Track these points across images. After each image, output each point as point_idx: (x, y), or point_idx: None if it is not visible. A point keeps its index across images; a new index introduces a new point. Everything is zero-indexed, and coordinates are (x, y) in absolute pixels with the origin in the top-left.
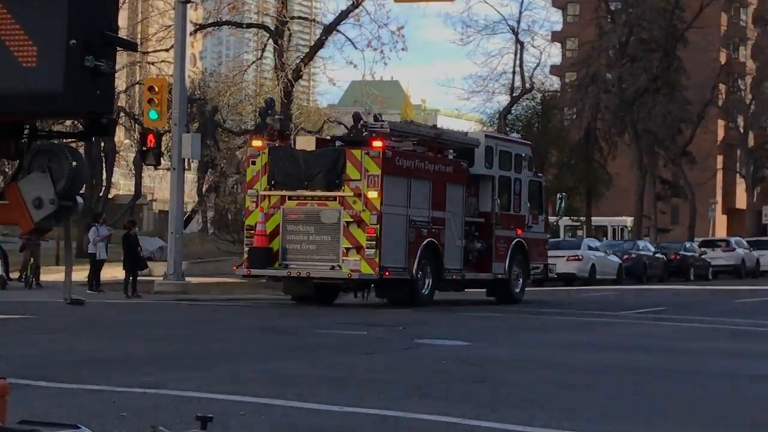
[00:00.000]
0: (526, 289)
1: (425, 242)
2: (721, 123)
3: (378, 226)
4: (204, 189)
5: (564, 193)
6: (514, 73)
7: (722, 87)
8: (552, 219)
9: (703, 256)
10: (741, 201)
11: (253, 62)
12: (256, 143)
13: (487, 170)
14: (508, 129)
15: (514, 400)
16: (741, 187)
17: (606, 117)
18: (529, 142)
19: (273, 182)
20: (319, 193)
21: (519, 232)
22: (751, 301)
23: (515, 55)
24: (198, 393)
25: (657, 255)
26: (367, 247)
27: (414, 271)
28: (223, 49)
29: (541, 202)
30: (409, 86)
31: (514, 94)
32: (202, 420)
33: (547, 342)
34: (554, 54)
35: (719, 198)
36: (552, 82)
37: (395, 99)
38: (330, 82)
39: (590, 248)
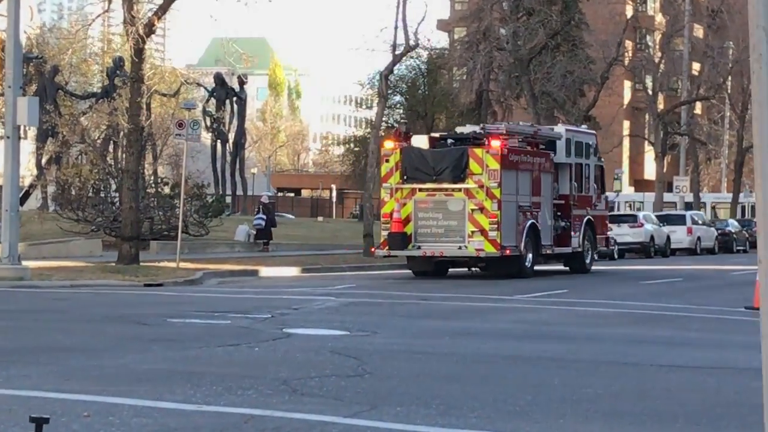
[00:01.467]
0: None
1: (529, 223)
2: (627, 84)
3: (499, 212)
4: (44, 161)
5: (621, 170)
6: (396, 28)
7: (629, 44)
8: (611, 196)
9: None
10: (649, 171)
11: (99, 15)
12: (389, 144)
13: (566, 159)
14: (390, 91)
15: (396, 395)
16: (650, 155)
17: (500, 77)
18: (593, 132)
19: (405, 177)
20: (446, 185)
21: (588, 211)
22: (658, 282)
23: (397, 7)
24: (35, 392)
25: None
26: (491, 230)
27: (522, 248)
28: (65, 1)
29: (603, 183)
30: (277, 47)
31: (396, 52)
32: (37, 422)
33: (435, 330)
34: (442, 7)
35: (626, 167)
36: (439, 39)
37: (262, 58)
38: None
39: None
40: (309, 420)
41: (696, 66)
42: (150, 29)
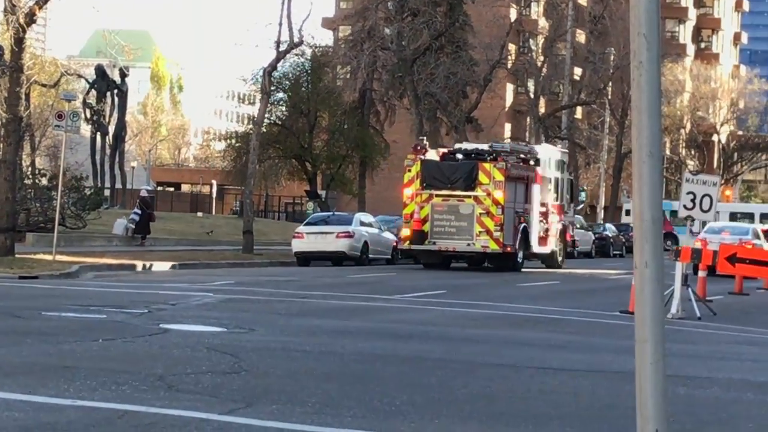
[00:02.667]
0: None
1: (522, 226)
2: (510, 87)
3: (502, 216)
4: None
5: (585, 187)
6: (281, 24)
7: (512, 47)
8: (579, 207)
9: None
10: None
11: None
12: (411, 156)
13: (548, 173)
14: (273, 88)
15: (273, 393)
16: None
17: (383, 77)
18: (567, 151)
19: (424, 184)
20: (459, 192)
21: (561, 217)
22: (535, 285)
23: (282, 4)
24: None
25: None
26: (495, 231)
27: (516, 247)
28: None
29: (572, 194)
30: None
31: (280, 49)
32: None
33: (313, 328)
34: (327, 5)
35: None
36: (324, 37)
37: (145, 51)
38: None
39: (363, 224)
40: (184, 416)
41: (577, 71)
42: (31, 18)
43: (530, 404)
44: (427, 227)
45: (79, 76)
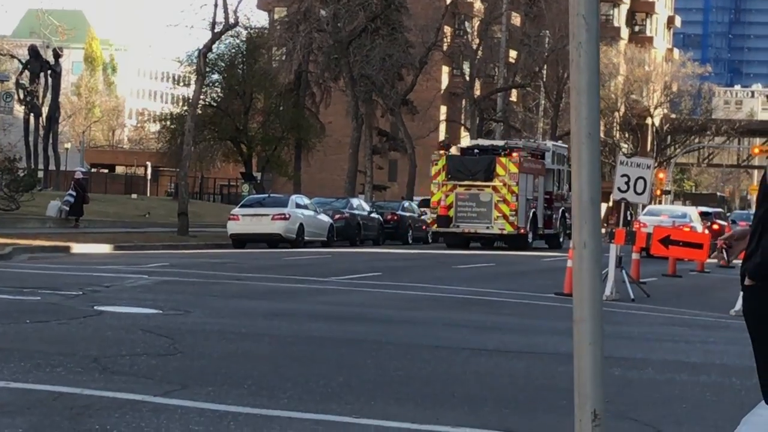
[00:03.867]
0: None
1: (532, 212)
2: (445, 69)
3: (517, 203)
4: None
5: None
6: (216, 5)
7: (447, 30)
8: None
9: (422, 217)
10: None
11: None
12: (437, 152)
13: (551, 165)
14: (208, 70)
15: (208, 375)
16: (466, 140)
17: (319, 59)
18: (567, 146)
19: (449, 176)
20: (479, 183)
21: (561, 204)
22: (471, 267)
23: None
24: None
25: (372, 215)
26: (510, 216)
27: (528, 229)
28: None
29: (570, 184)
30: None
31: (215, 30)
32: None
33: (249, 310)
34: None
35: (442, 152)
36: (259, 18)
37: (79, 31)
38: None
39: (298, 206)
40: (119, 398)
41: (513, 54)
42: None
43: (466, 386)
44: (451, 213)
45: (12, 57)
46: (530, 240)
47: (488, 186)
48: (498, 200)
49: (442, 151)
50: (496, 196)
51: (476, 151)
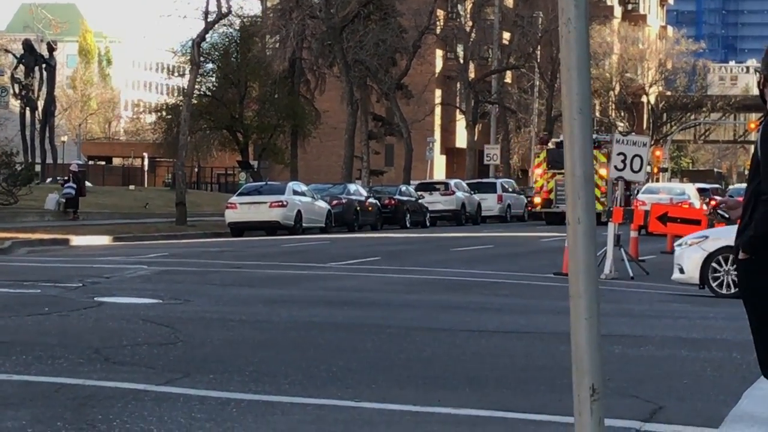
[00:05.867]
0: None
1: (613, 193)
2: (439, 53)
3: (606, 186)
4: None
5: (433, 138)
6: None
7: (440, 13)
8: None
9: (420, 201)
10: (461, 139)
11: None
12: (538, 146)
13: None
14: (202, 59)
15: (210, 363)
16: (461, 123)
17: (313, 46)
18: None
19: (549, 165)
20: None
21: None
22: (469, 249)
23: None
24: None
25: (370, 200)
26: (601, 197)
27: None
28: None
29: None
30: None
31: (209, 19)
32: None
33: (249, 298)
34: None
35: (438, 136)
36: (252, 6)
37: (73, 24)
38: None
39: (296, 193)
40: (121, 388)
41: (506, 35)
42: None
43: (466, 367)
44: (552, 196)
45: (7, 51)
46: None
47: None
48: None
49: (541, 146)
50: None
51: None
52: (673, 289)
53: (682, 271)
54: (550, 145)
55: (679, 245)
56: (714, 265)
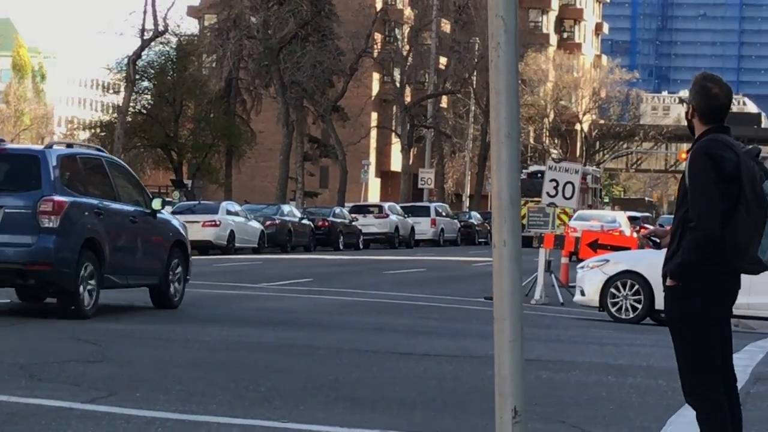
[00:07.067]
0: None
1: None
2: (376, 76)
3: (573, 213)
4: None
5: (368, 161)
6: (145, 12)
7: (378, 37)
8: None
9: (353, 223)
10: (396, 163)
11: None
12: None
13: (591, 184)
14: (138, 77)
15: (136, 381)
16: (396, 147)
17: (249, 66)
18: (599, 169)
19: (522, 194)
20: (538, 198)
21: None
22: (401, 272)
23: None
24: None
25: (303, 221)
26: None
27: None
28: None
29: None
30: (22, 28)
31: (145, 37)
32: None
33: (179, 317)
34: None
35: (373, 159)
36: (189, 25)
37: (7, 39)
38: None
39: (229, 213)
40: (46, 405)
41: (443, 60)
42: None
43: (395, 390)
44: (525, 221)
45: None
46: None
47: (553, 202)
48: (559, 212)
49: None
50: (558, 209)
51: (539, 174)
52: (602, 316)
53: (583, 293)
54: (522, 176)
55: (581, 268)
56: (612, 290)
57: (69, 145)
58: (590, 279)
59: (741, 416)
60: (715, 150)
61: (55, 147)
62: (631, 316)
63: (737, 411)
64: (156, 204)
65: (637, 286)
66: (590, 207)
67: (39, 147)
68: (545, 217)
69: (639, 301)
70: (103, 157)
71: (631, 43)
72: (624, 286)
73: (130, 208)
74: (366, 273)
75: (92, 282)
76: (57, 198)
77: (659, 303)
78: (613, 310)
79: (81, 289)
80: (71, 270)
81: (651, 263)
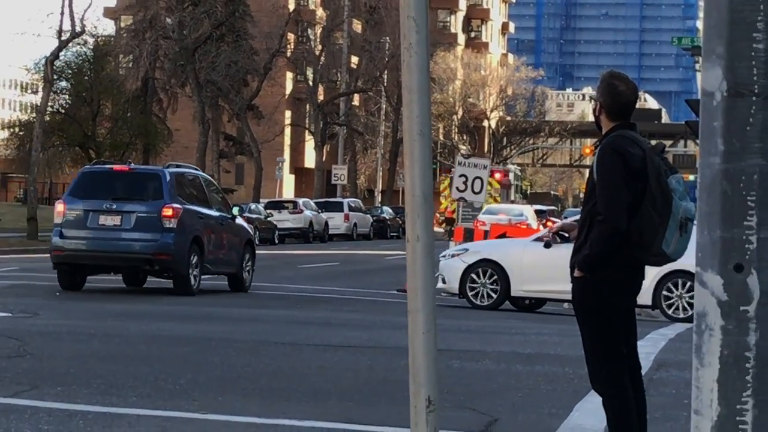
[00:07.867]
0: None
1: None
2: (289, 75)
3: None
4: None
5: (283, 158)
6: (62, 14)
7: (291, 36)
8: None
9: (269, 219)
10: (310, 159)
11: None
12: (445, 174)
13: (514, 181)
14: (56, 77)
15: (57, 375)
16: (310, 144)
17: (165, 66)
18: (519, 166)
19: (451, 190)
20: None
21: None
22: (316, 266)
23: None
24: None
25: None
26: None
27: None
28: None
29: (523, 192)
30: None
31: (62, 38)
32: None
33: (98, 312)
34: None
35: (287, 156)
36: (106, 26)
37: None
38: None
39: None
40: None
41: (355, 59)
42: None
43: (311, 380)
44: (455, 215)
45: None
46: None
47: None
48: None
49: (447, 173)
50: (485, 204)
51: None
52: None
53: (444, 281)
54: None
55: (443, 256)
56: (473, 275)
57: (177, 166)
58: (451, 267)
59: (645, 401)
60: (622, 146)
61: (170, 168)
62: (488, 303)
63: (641, 396)
64: (235, 211)
65: (495, 275)
66: (512, 202)
67: (159, 167)
68: (475, 212)
69: (495, 290)
70: (199, 174)
71: (537, 42)
72: (483, 274)
73: (218, 214)
74: (281, 267)
75: (197, 270)
76: (174, 205)
77: (515, 290)
78: (470, 295)
79: (190, 274)
80: (185, 260)
81: (508, 252)
